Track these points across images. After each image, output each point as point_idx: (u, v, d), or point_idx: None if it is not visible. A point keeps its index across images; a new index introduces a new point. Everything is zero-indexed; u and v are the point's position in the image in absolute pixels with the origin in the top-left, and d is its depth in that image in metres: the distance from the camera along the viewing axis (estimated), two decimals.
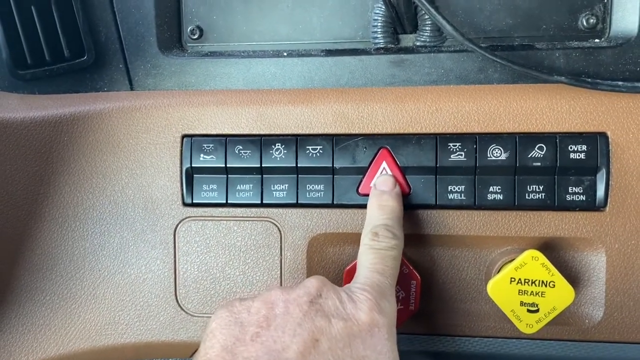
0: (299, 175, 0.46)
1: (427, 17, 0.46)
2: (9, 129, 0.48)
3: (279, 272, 0.47)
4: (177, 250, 0.48)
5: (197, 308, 0.48)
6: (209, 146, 0.47)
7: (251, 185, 0.47)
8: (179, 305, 0.48)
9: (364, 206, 0.45)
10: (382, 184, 0.44)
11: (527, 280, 0.41)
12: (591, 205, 0.43)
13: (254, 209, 0.47)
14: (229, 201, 0.47)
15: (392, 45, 0.48)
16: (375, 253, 0.40)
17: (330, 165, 0.46)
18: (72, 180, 0.49)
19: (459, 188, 0.44)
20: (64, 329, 0.49)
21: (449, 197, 0.44)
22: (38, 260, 0.50)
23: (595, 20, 0.45)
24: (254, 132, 0.47)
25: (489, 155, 0.44)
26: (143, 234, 0.49)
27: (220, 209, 0.48)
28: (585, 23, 0.45)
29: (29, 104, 0.49)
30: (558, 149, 0.43)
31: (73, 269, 0.49)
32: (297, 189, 0.46)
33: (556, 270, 0.41)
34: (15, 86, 0.50)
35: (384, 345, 0.35)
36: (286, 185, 0.47)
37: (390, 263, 0.40)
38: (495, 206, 0.44)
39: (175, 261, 0.48)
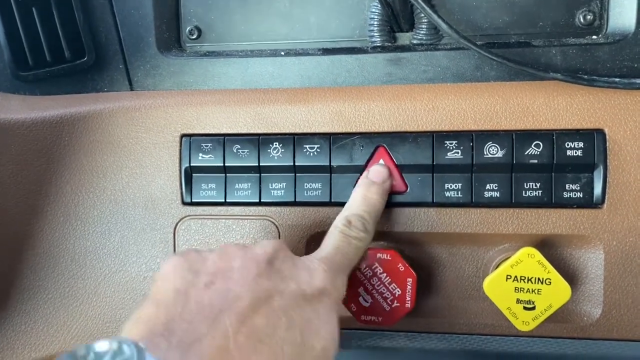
0: (297, 174, 0.47)
1: (423, 15, 0.46)
2: (11, 130, 0.49)
3: None
4: (177, 248, 0.49)
5: None
6: (208, 145, 0.47)
7: (249, 184, 0.47)
8: None
9: None
10: (374, 175, 0.44)
11: (523, 278, 0.41)
12: (588, 202, 0.43)
13: (252, 208, 0.48)
14: (227, 200, 0.48)
15: (389, 44, 0.48)
16: (344, 238, 0.40)
17: (328, 164, 0.46)
18: (73, 180, 0.50)
19: (455, 186, 0.44)
20: (65, 326, 0.50)
21: (446, 195, 0.44)
22: (40, 259, 0.50)
23: (592, 17, 0.45)
24: (252, 131, 0.47)
25: (485, 153, 0.44)
26: (143, 233, 0.49)
27: (219, 208, 0.48)
28: (582, 20, 0.45)
29: (31, 105, 0.50)
30: (555, 146, 0.43)
31: (75, 267, 0.50)
32: (295, 187, 0.47)
33: (552, 268, 0.41)
34: (17, 87, 0.51)
35: (329, 316, 0.35)
36: (284, 184, 0.47)
37: (353, 250, 0.40)
38: (492, 204, 0.44)
39: None
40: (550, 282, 0.41)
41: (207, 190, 0.48)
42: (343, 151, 0.46)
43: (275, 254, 0.37)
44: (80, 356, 0.25)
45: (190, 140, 0.48)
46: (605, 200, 0.43)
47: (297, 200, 0.47)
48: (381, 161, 0.45)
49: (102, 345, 0.26)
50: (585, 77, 0.42)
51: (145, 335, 0.30)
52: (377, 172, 0.45)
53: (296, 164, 0.46)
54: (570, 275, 0.44)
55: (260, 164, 0.47)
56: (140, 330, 0.31)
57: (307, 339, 0.33)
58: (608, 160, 0.42)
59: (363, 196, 0.43)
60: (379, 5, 0.46)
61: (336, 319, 0.36)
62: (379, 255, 0.44)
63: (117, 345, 0.26)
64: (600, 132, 0.43)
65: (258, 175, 0.47)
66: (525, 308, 0.42)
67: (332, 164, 0.46)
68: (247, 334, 0.31)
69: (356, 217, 0.41)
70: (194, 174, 0.48)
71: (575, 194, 0.43)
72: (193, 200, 0.48)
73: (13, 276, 0.50)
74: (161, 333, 0.30)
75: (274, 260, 0.36)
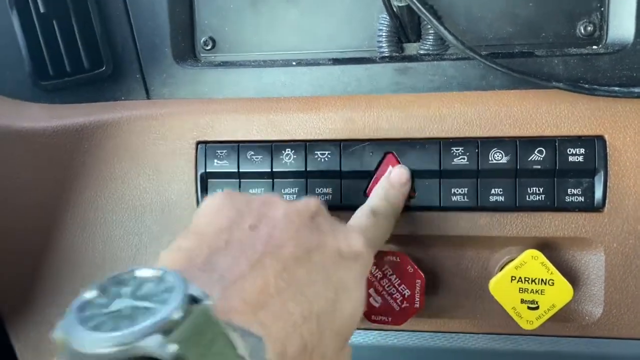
0: (308, 179, 0.48)
1: (429, 26, 0.48)
2: (33, 138, 0.50)
3: None
4: None
5: None
6: (222, 152, 0.49)
7: (263, 189, 0.49)
8: None
9: None
10: (396, 177, 0.46)
11: (527, 279, 0.43)
12: (590, 206, 0.45)
13: None
14: None
15: (397, 54, 0.49)
16: (371, 221, 0.41)
17: (338, 170, 0.48)
18: (93, 186, 0.51)
19: (462, 190, 0.46)
20: None
21: (453, 199, 0.46)
22: (61, 262, 0.52)
23: (592, 28, 0.47)
24: (265, 138, 0.49)
25: (490, 159, 0.45)
26: (160, 237, 0.51)
27: None
28: (583, 30, 0.47)
29: (51, 114, 0.52)
30: (557, 152, 0.45)
31: (94, 271, 0.52)
32: (307, 192, 0.48)
33: (555, 269, 0.43)
34: (38, 96, 0.52)
35: (360, 282, 0.35)
36: (296, 189, 0.49)
37: (380, 234, 0.41)
38: (497, 208, 0.46)
39: None
40: (553, 283, 0.43)
41: None
42: (353, 157, 0.47)
43: (317, 211, 0.37)
44: (123, 280, 0.24)
45: (206, 147, 0.50)
46: (606, 204, 0.44)
47: None
48: (402, 166, 0.47)
49: (144, 272, 0.25)
50: (586, 86, 0.44)
51: (184, 266, 0.30)
52: (399, 175, 0.46)
53: (308, 169, 0.48)
54: (573, 276, 0.46)
55: (273, 170, 0.48)
56: (179, 261, 0.30)
57: (340, 298, 0.33)
58: (608, 166, 0.44)
59: (385, 195, 0.44)
60: (387, 17, 0.48)
61: (365, 287, 0.36)
62: (388, 257, 0.45)
63: (160, 273, 0.25)
64: (601, 139, 0.44)
65: (271, 180, 0.49)
66: (529, 308, 0.44)
67: (342, 169, 0.48)
68: (288, 282, 0.30)
69: (379, 209, 0.42)
70: (209, 180, 0.50)
71: (577, 198, 0.45)
72: None
73: (34, 280, 0.52)
74: (201, 266, 0.30)
75: (316, 217, 0.36)
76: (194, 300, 0.24)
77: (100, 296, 0.24)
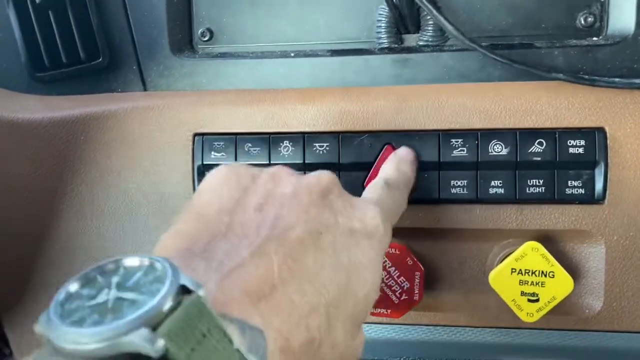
0: (307, 172, 0.48)
1: (429, 17, 0.47)
2: (29, 129, 0.50)
3: None
4: None
5: None
6: (220, 144, 0.49)
7: None
8: None
9: None
10: (404, 154, 0.45)
11: (527, 271, 0.43)
12: (590, 198, 0.44)
13: None
14: None
15: (396, 45, 0.49)
16: (386, 192, 0.39)
17: (337, 162, 0.47)
18: (89, 178, 0.51)
19: (461, 183, 0.46)
20: None
21: (452, 192, 0.46)
22: (57, 255, 0.52)
23: (593, 19, 0.46)
24: (263, 130, 0.48)
25: (490, 151, 0.45)
26: (157, 230, 0.50)
27: None
28: (583, 22, 0.47)
29: (47, 105, 0.51)
30: (557, 144, 0.44)
31: (90, 262, 0.51)
32: None
33: (555, 261, 0.43)
34: (33, 88, 0.52)
35: (376, 262, 0.33)
36: None
37: (396, 206, 0.39)
38: (496, 200, 0.45)
39: None
40: (553, 275, 0.43)
41: None
42: (352, 149, 0.47)
43: (329, 187, 0.34)
44: (109, 270, 0.23)
45: (203, 139, 0.49)
46: (606, 196, 0.44)
47: None
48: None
49: (132, 261, 0.24)
50: (587, 77, 0.44)
51: (183, 253, 0.28)
52: (406, 151, 0.45)
53: (306, 162, 0.48)
54: (573, 268, 0.46)
55: (271, 162, 0.48)
56: (179, 246, 0.29)
57: (352, 281, 0.31)
58: (609, 158, 0.44)
59: (396, 166, 0.43)
60: (387, 8, 0.48)
61: (381, 267, 0.34)
62: (388, 250, 0.45)
63: (149, 262, 0.23)
64: (601, 131, 0.44)
65: None
66: (529, 300, 0.43)
67: (341, 161, 0.47)
68: (293, 269, 0.28)
69: (393, 180, 0.41)
70: (206, 172, 0.49)
71: (577, 190, 0.44)
72: None
73: (30, 273, 0.52)
74: (200, 253, 0.28)
75: (328, 194, 0.33)
76: (186, 290, 0.22)
77: (85, 287, 0.23)
